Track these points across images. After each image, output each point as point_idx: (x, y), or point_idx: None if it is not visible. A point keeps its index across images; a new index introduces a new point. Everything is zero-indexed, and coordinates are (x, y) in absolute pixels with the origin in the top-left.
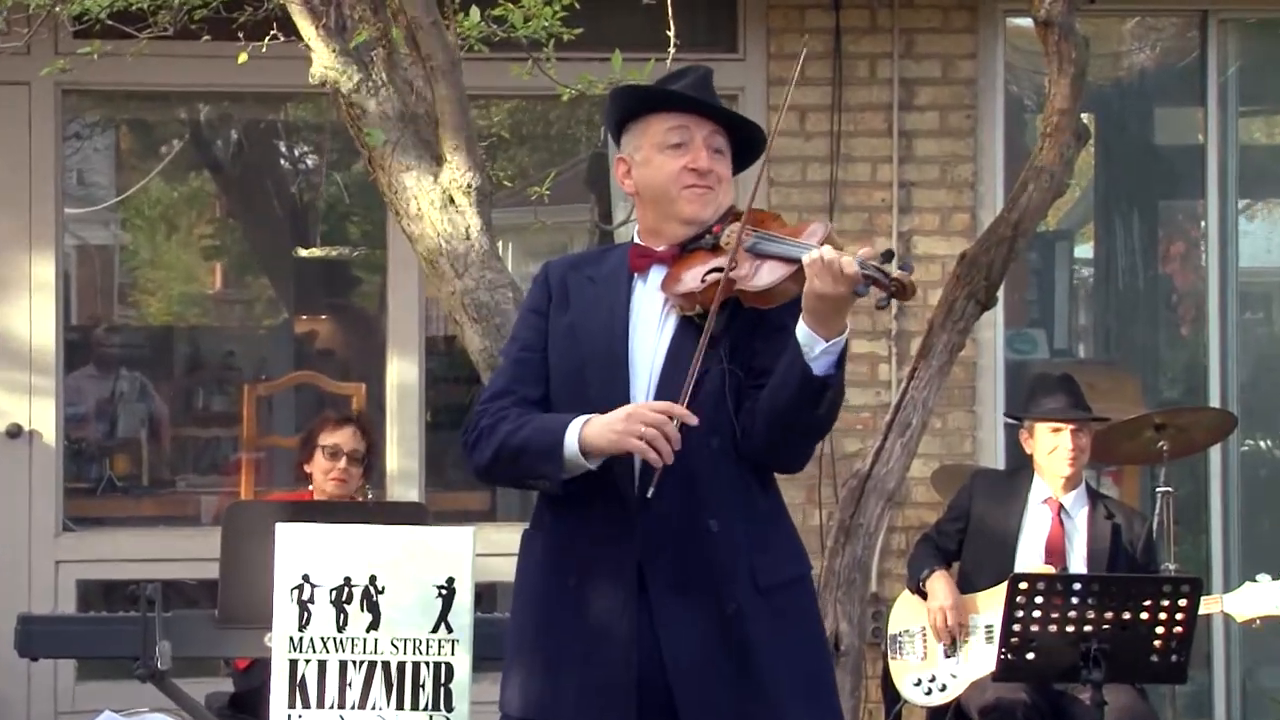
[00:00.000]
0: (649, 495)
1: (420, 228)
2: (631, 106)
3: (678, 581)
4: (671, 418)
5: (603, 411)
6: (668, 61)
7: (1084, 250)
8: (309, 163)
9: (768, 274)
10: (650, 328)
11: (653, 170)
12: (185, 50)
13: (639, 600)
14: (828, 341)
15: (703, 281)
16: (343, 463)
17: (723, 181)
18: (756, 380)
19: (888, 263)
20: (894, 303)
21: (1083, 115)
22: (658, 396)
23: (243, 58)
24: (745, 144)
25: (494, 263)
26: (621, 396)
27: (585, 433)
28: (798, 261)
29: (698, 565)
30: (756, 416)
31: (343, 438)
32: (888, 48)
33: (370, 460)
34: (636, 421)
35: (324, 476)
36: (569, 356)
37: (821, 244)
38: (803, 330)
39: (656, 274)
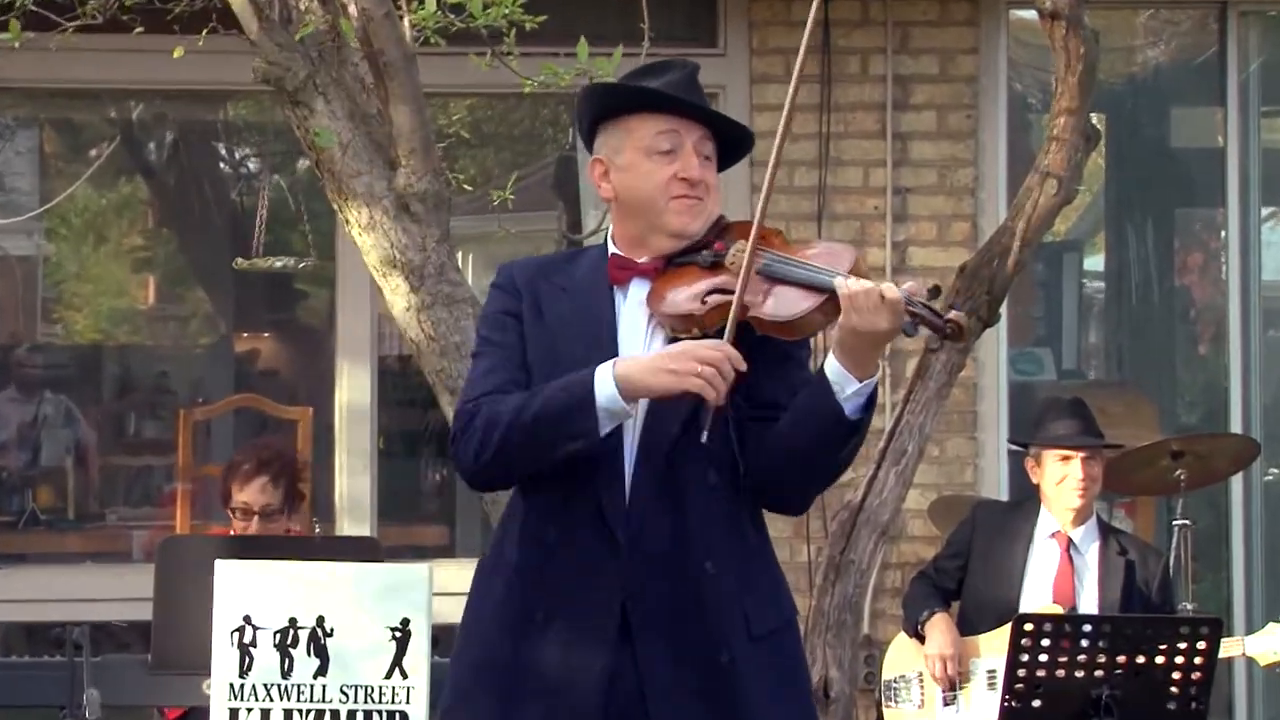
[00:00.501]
0: (703, 437)
1: (372, 237)
2: (612, 104)
3: (668, 624)
4: (728, 358)
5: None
6: (641, 56)
7: (1094, 262)
8: (251, 167)
9: (790, 303)
10: (634, 346)
11: (638, 177)
12: (116, 43)
13: (619, 638)
14: (861, 382)
15: (703, 303)
16: (254, 524)
17: (711, 191)
18: (758, 412)
19: (934, 299)
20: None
21: (1092, 116)
22: (646, 424)
23: (179, 52)
24: (729, 144)
25: (452, 275)
26: None
27: (623, 372)
28: (826, 291)
29: (691, 609)
30: (767, 454)
31: (251, 494)
32: (881, 42)
33: (292, 500)
34: (691, 359)
35: (244, 532)
36: (550, 374)
37: (850, 273)
38: (834, 367)
39: (638, 288)
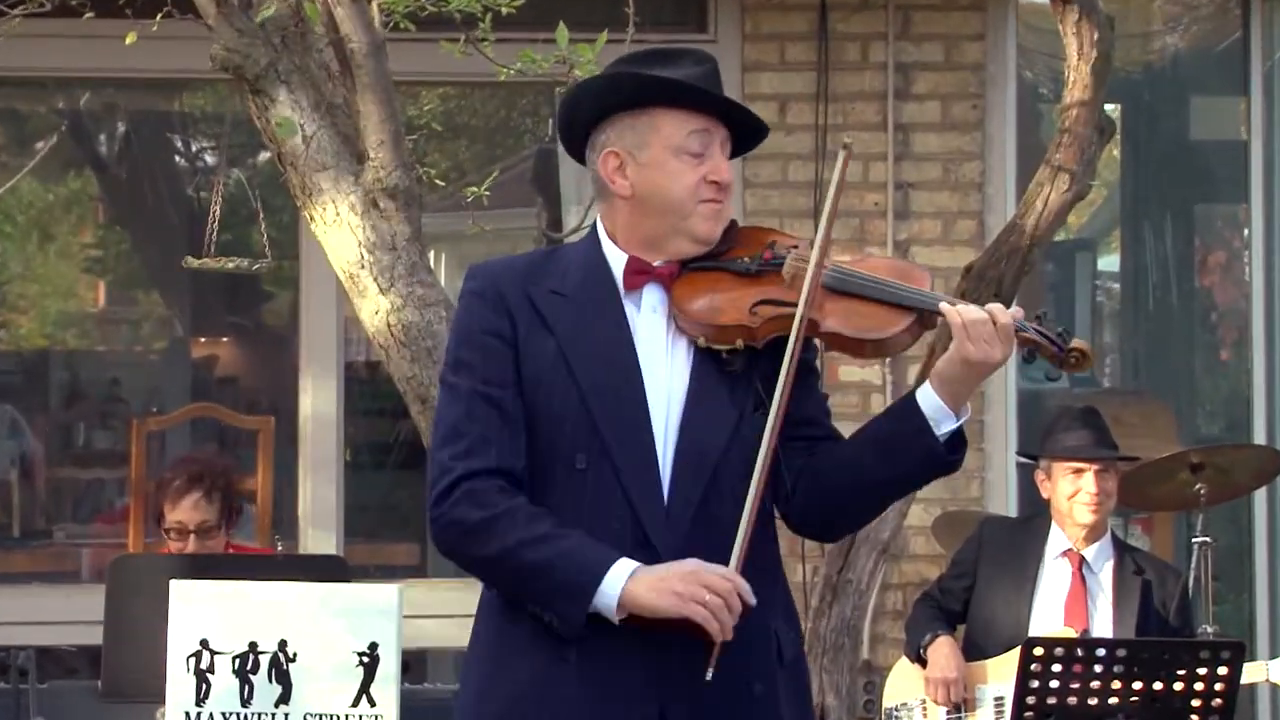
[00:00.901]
0: (708, 678)
1: (338, 235)
2: (640, 95)
3: (701, 652)
4: (738, 591)
5: (623, 457)
6: (626, 42)
7: (1109, 262)
8: (208, 160)
9: (872, 321)
10: (657, 357)
11: (665, 177)
12: (64, 28)
13: (659, 672)
14: (959, 417)
15: (752, 314)
16: (191, 542)
17: (731, 193)
18: (800, 430)
19: (1043, 325)
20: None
21: (1107, 106)
22: (682, 440)
23: (131, 38)
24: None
25: (424, 276)
26: (646, 440)
27: (632, 589)
28: (915, 312)
29: (734, 635)
30: (831, 483)
31: (185, 513)
32: (881, 27)
33: (230, 514)
34: (698, 585)
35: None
36: (564, 391)
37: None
38: (931, 401)
39: (652, 294)
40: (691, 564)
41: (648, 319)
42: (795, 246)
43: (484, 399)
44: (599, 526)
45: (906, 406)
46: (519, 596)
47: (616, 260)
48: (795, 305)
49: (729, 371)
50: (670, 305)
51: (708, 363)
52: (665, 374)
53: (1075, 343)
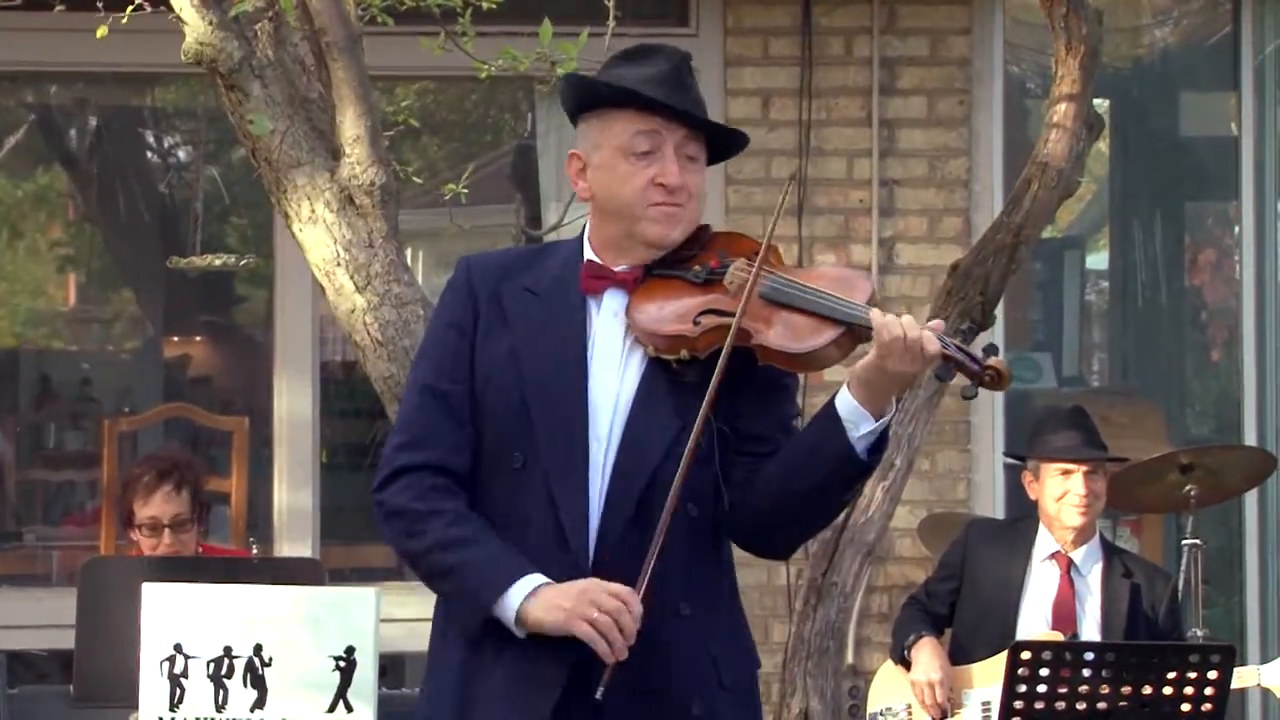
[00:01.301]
0: (598, 696)
1: (314, 233)
2: (591, 98)
3: (638, 672)
4: (629, 609)
5: (552, 458)
6: (606, 37)
7: (1097, 260)
8: (181, 156)
9: (801, 334)
10: (609, 362)
11: (614, 179)
12: (33, 21)
13: (570, 684)
14: (877, 420)
15: (695, 324)
16: (166, 537)
17: (693, 197)
18: (746, 446)
19: (968, 340)
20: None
21: (1096, 102)
22: (623, 448)
23: (102, 31)
24: (720, 140)
25: (401, 274)
26: (578, 442)
27: (527, 606)
28: (844, 324)
29: (661, 654)
30: (762, 492)
31: (157, 507)
32: (866, 21)
33: (200, 510)
34: (588, 603)
35: (152, 553)
36: (508, 389)
37: (868, 304)
38: (848, 404)
39: (613, 299)
40: (584, 583)
41: (607, 323)
42: (756, 253)
43: (434, 393)
44: (530, 527)
45: (824, 411)
46: (435, 590)
47: (586, 259)
48: (732, 315)
49: (683, 382)
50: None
51: (659, 373)
52: (615, 380)
53: (992, 360)
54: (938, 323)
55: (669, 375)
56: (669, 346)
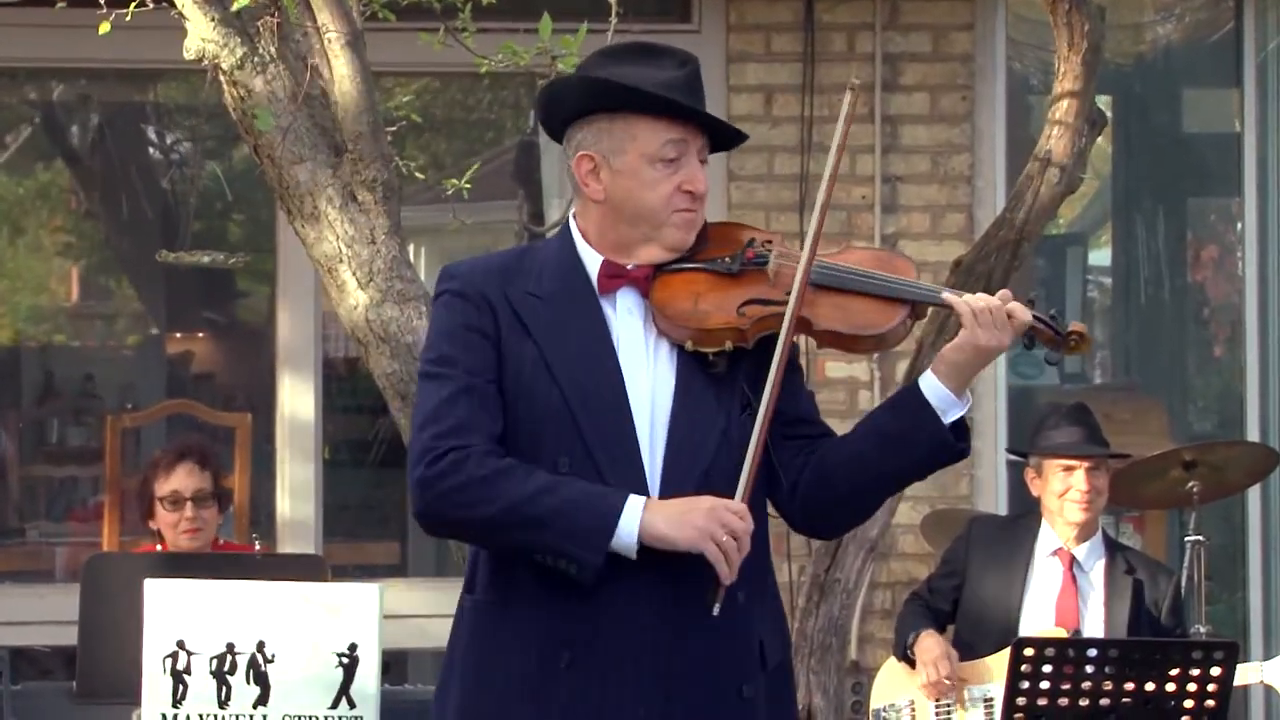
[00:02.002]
0: (714, 612)
1: (316, 229)
2: (614, 102)
3: (706, 658)
4: (748, 528)
5: (606, 459)
6: (609, 34)
7: (1100, 256)
8: (183, 152)
9: (868, 316)
10: (638, 360)
11: (639, 185)
12: (35, 18)
13: (653, 680)
14: (963, 402)
15: (739, 314)
16: (188, 510)
17: (705, 200)
18: (794, 429)
19: (1037, 309)
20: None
21: (1098, 98)
22: (672, 445)
23: (105, 28)
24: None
25: (404, 271)
26: (630, 442)
27: (649, 519)
28: (909, 303)
29: (726, 641)
30: (830, 477)
31: (180, 480)
32: (868, 17)
33: (222, 496)
34: (717, 523)
35: (174, 531)
36: (544, 394)
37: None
38: (937, 390)
39: (627, 296)
40: (709, 500)
41: (625, 321)
42: (769, 242)
43: (467, 389)
44: None
45: (911, 397)
46: (528, 548)
47: (591, 261)
48: (783, 304)
49: (713, 374)
50: (649, 308)
51: (692, 365)
52: (648, 377)
53: (1073, 325)
54: (1005, 292)
55: (702, 368)
56: (711, 339)
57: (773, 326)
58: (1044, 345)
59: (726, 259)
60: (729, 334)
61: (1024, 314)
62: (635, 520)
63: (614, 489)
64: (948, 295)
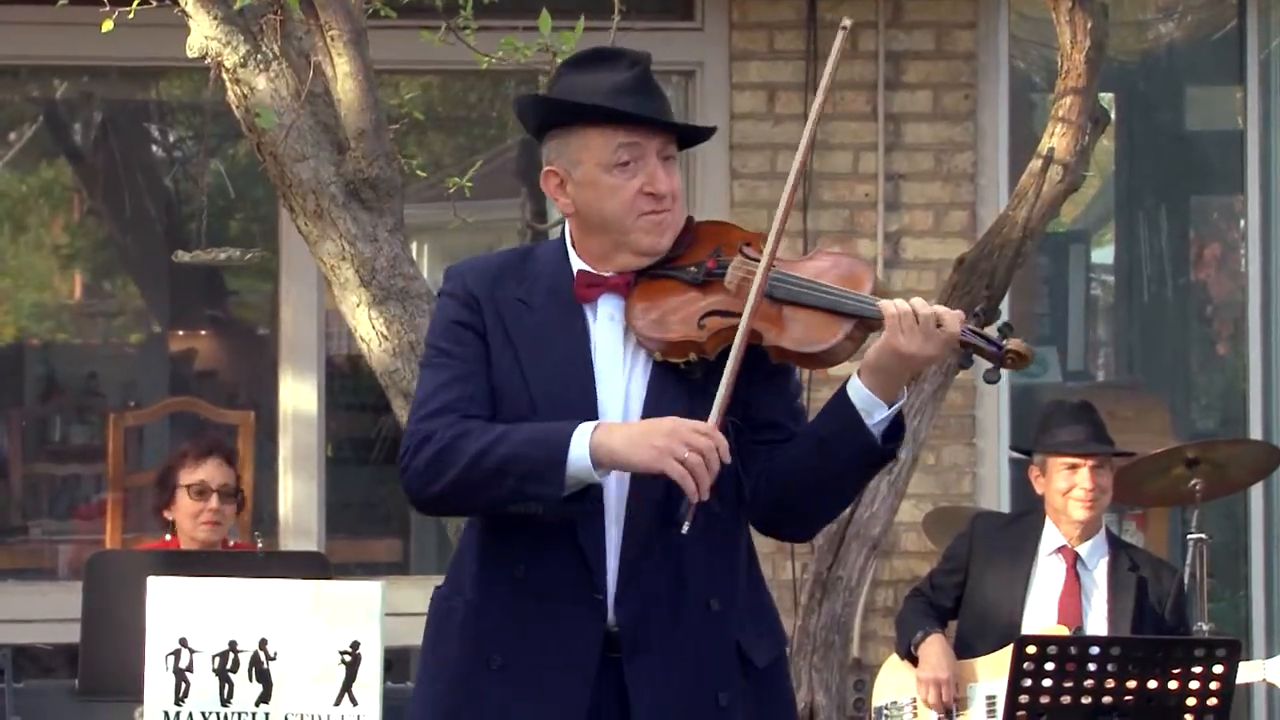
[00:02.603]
0: (684, 530)
1: (319, 227)
2: (559, 117)
3: (663, 668)
4: (717, 447)
5: None
6: (611, 32)
7: (1103, 255)
8: (186, 150)
9: (815, 331)
10: (613, 368)
11: (600, 194)
12: (38, 15)
13: (597, 684)
14: (890, 407)
15: (700, 327)
16: (213, 502)
17: (677, 199)
18: (761, 434)
19: (984, 325)
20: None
21: (1101, 96)
22: None
23: (108, 25)
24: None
25: (406, 268)
26: None
27: (601, 439)
28: (855, 317)
29: (691, 647)
30: (780, 481)
31: (208, 472)
32: (871, 15)
33: (240, 496)
34: (679, 441)
35: (193, 521)
36: (516, 399)
37: (873, 293)
38: (861, 392)
39: (608, 303)
40: (671, 420)
41: (605, 328)
42: (749, 244)
43: (459, 377)
44: (548, 533)
45: (837, 401)
46: (499, 501)
47: (576, 268)
48: (739, 316)
49: (691, 380)
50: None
51: (666, 374)
52: (622, 385)
53: (1011, 343)
54: (958, 313)
55: (677, 376)
56: (675, 350)
57: (728, 340)
58: (984, 360)
59: (693, 268)
60: (690, 346)
61: (954, 324)
62: (585, 443)
63: (565, 423)
64: (882, 304)
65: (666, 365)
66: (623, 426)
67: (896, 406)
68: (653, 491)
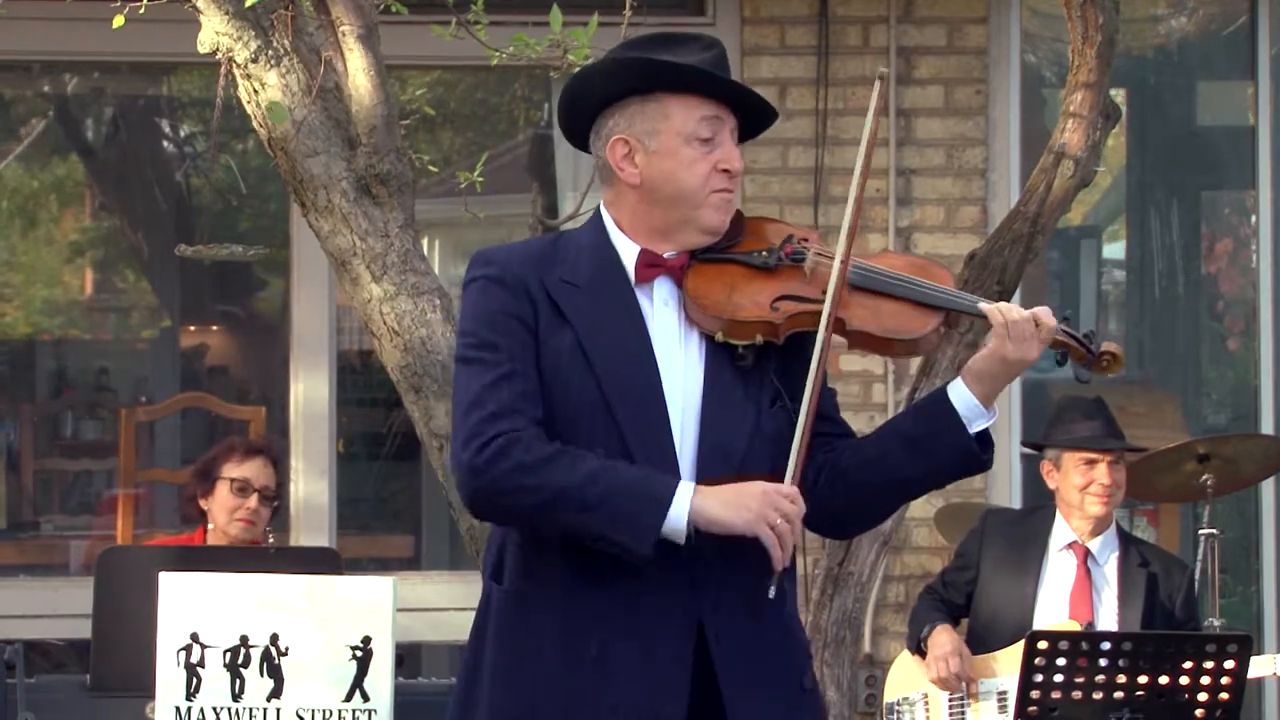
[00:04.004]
0: (770, 594)
1: (330, 222)
2: (649, 80)
3: (750, 652)
4: (800, 511)
5: (640, 451)
6: (622, 27)
7: (1114, 250)
8: (197, 145)
9: (903, 320)
10: (672, 351)
11: (677, 165)
12: (49, 11)
13: (693, 672)
14: (990, 413)
15: (773, 309)
16: (253, 501)
17: (739, 183)
18: (817, 426)
19: (1072, 326)
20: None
21: (1112, 91)
22: (703, 437)
23: (119, 21)
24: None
25: (417, 264)
26: (665, 434)
27: (700, 505)
28: (944, 311)
29: (770, 634)
30: (849, 478)
31: (253, 470)
32: (883, 10)
33: (277, 504)
34: (771, 507)
35: (229, 516)
36: (582, 384)
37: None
38: (966, 400)
39: (663, 286)
40: (760, 484)
41: (660, 312)
42: (806, 239)
43: (509, 375)
44: None
45: (939, 405)
46: (575, 536)
47: (626, 251)
48: (818, 301)
49: (742, 366)
50: (683, 298)
51: (720, 357)
52: (680, 368)
53: (1107, 345)
54: (1046, 309)
55: (730, 360)
56: (741, 331)
57: (805, 324)
58: (1076, 362)
59: (763, 252)
60: (760, 327)
61: (1050, 323)
62: (685, 506)
63: (661, 474)
64: (984, 305)
65: (720, 348)
66: (716, 491)
67: (994, 415)
68: (724, 469)
